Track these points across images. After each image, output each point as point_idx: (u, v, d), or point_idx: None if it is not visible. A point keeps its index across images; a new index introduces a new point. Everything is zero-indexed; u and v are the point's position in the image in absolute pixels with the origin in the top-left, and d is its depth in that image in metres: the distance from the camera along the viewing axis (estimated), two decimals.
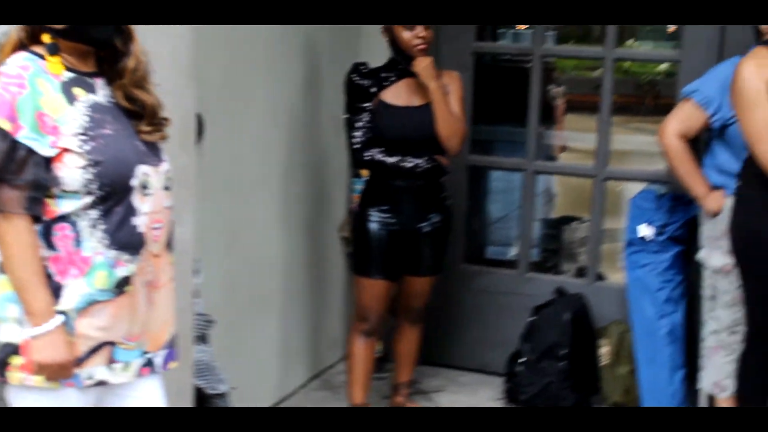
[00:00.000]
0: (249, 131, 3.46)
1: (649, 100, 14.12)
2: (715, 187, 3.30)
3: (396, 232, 3.46)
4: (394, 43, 3.42)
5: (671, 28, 22.32)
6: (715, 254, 3.37)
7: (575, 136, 7.58)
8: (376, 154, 3.41)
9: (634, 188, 4.35)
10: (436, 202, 3.54)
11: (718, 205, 3.24)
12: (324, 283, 4.17)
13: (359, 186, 3.90)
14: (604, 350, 3.85)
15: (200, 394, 2.81)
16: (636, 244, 3.72)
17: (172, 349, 2.14)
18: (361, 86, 3.43)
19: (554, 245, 5.86)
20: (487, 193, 5.41)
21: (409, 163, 3.41)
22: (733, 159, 3.28)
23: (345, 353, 4.19)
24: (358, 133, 3.42)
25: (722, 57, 3.58)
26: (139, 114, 2.00)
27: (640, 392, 3.63)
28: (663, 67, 13.48)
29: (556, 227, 5.99)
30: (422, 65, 3.36)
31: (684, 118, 3.33)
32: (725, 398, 3.43)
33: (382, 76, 3.46)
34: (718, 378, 3.44)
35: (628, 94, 13.85)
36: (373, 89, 3.43)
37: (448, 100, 3.43)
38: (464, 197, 4.19)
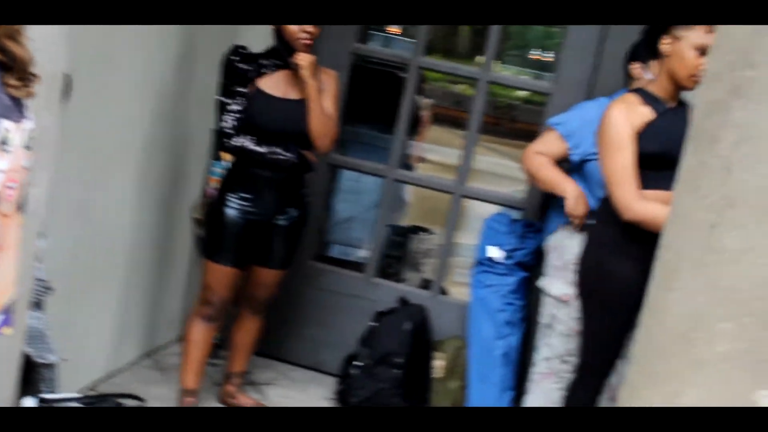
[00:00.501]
0: (115, 99, 3.31)
1: (506, 122, 14.54)
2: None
3: (253, 221, 3.39)
4: (279, 32, 3.35)
5: (535, 56, 23.15)
6: (557, 283, 3.48)
7: (432, 147, 7.71)
8: (245, 141, 3.33)
9: (483, 207, 4.45)
10: (297, 197, 3.50)
11: (584, 200, 3.35)
12: (169, 262, 4.04)
13: (218, 169, 3.81)
14: (439, 363, 3.90)
15: (28, 362, 2.66)
16: (484, 264, 3.79)
17: (8, 314, 2.00)
18: (240, 70, 3.35)
19: (398, 253, 5.92)
20: (336, 192, 5.39)
21: (278, 155, 3.35)
22: (588, 193, 3.41)
23: (180, 335, 4.08)
24: (229, 118, 3.33)
25: (591, 95, 3.71)
26: (8, 66, 1.86)
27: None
28: (522, 93, 13.91)
29: (403, 235, 6.05)
30: (305, 61, 3.30)
31: (546, 143, 3.46)
32: None
33: (261, 63, 3.38)
34: (545, 403, 3.54)
35: (486, 114, 14.17)
36: (251, 75, 3.35)
37: (324, 99, 3.39)
38: (321, 195, 4.15)
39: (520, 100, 14.63)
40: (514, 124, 13.45)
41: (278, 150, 3.34)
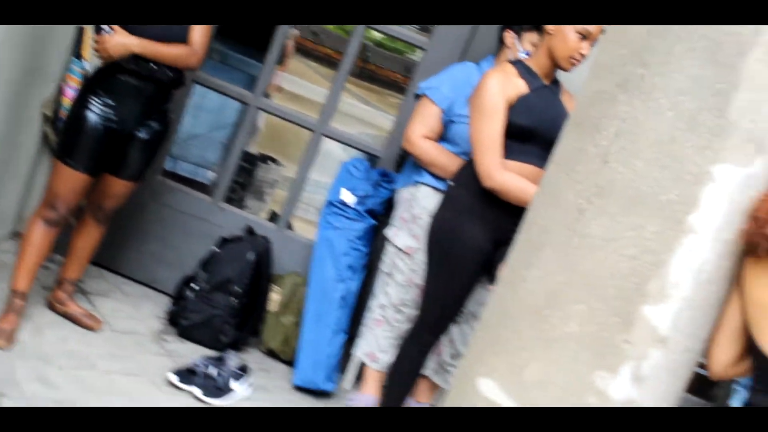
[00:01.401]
0: None
1: (359, 62, 14.46)
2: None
3: (112, 130, 3.23)
4: None
5: None
6: (402, 235, 3.53)
7: (291, 78, 7.60)
8: None
9: (330, 144, 4.41)
10: (160, 111, 3.37)
11: None
12: (11, 157, 3.81)
13: (77, 68, 3.61)
14: (275, 297, 3.89)
15: None
16: (336, 205, 3.78)
17: None
18: None
19: (244, 179, 5.83)
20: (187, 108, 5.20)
21: (152, 66, 3.20)
22: (452, 149, 3.46)
23: (13, 232, 3.88)
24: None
25: (465, 56, 3.74)
26: None
27: (299, 345, 3.71)
28: (378, 35, 13.83)
29: (251, 162, 5.96)
30: None
31: (424, 118, 3.45)
32: (374, 370, 3.61)
33: None
34: (374, 349, 3.61)
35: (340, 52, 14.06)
36: None
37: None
38: (180, 111, 4.02)
39: (395, 50, 14.54)
40: (366, 65, 13.39)
41: (152, 62, 3.20)
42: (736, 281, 1.83)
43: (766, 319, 1.78)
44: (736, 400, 3.32)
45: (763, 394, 1.83)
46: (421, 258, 3.38)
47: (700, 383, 4.06)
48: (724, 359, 1.90)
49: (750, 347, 1.84)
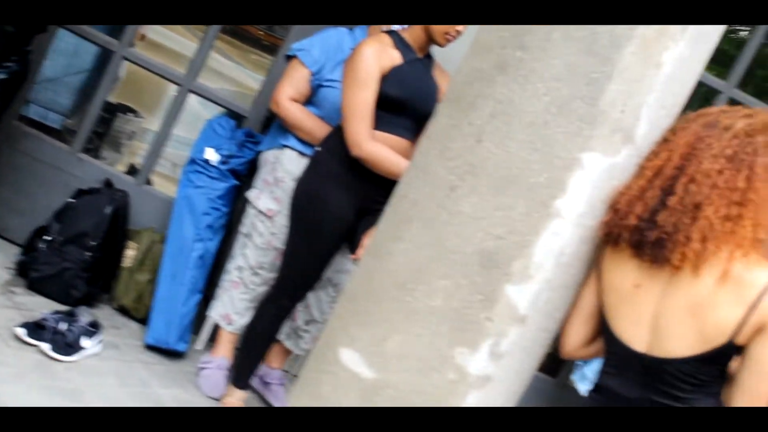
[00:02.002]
0: None
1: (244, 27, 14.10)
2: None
3: None
4: None
5: None
6: (264, 198, 3.47)
7: (155, 27, 7.33)
8: None
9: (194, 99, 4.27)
10: (21, 51, 3.17)
11: None
12: None
13: None
14: (130, 253, 3.76)
15: None
16: (198, 164, 3.67)
17: None
18: None
19: (102, 129, 5.60)
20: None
21: None
22: (319, 113, 3.42)
23: None
24: None
25: None
26: None
27: (153, 303, 3.60)
28: None
29: (110, 112, 5.73)
30: None
31: (293, 80, 3.38)
32: (229, 332, 3.55)
33: None
34: (229, 311, 3.54)
35: None
36: None
37: None
38: (42, 55, 3.80)
39: None
40: (253, 29, 13.08)
41: None
42: (594, 266, 1.88)
43: (620, 304, 1.83)
44: (578, 375, 3.44)
45: (614, 376, 1.89)
46: (281, 221, 3.33)
47: (548, 361, 4.21)
48: (577, 340, 1.95)
49: (603, 330, 1.90)
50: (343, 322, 1.95)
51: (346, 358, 1.89)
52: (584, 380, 3.44)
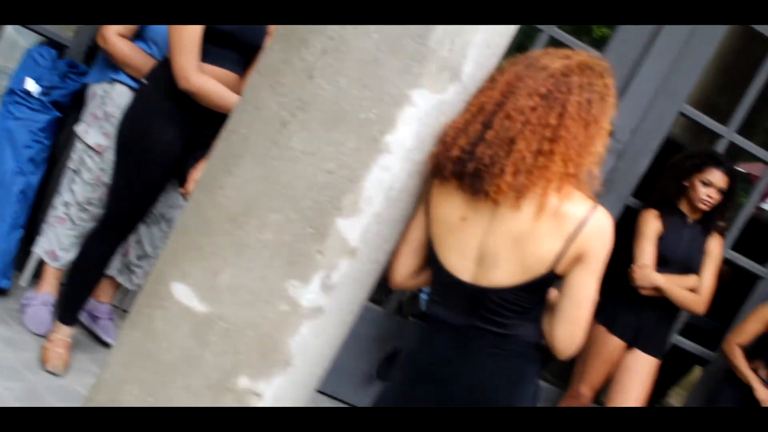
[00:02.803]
0: None
1: None
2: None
3: None
4: None
5: None
6: (93, 132, 3.35)
7: None
8: None
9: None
10: None
11: None
12: None
13: None
14: None
15: None
16: (18, 95, 3.48)
17: None
18: None
19: None
20: None
21: None
22: (148, 49, 3.31)
23: None
24: None
25: None
26: None
27: None
28: None
29: None
30: None
31: None
32: (54, 268, 3.43)
33: None
34: (54, 247, 3.42)
35: None
36: None
37: None
38: None
39: None
40: None
41: None
42: (422, 200, 1.92)
43: (447, 236, 1.89)
44: (423, 304, 3.52)
45: (440, 305, 1.96)
46: (111, 157, 3.23)
47: (378, 293, 4.30)
48: (405, 271, 2.00)
49: (431, 261, 1.96)
50: (174, 257, 1.92)
51: (178, 293, 1.87)
52: None
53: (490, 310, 1.88)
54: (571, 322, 1.89)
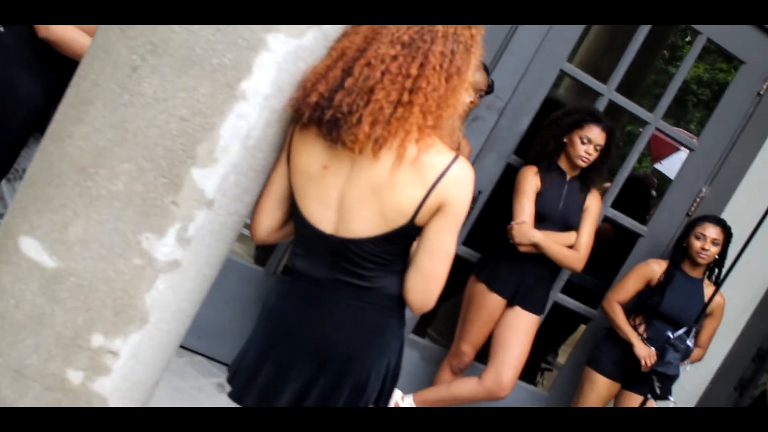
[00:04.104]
0: None
1: None
2: None
3: None
4: None
5: None
6: None
7: None
8: None
9: None
10: None
11: None
12: None
13: None
14: None
15: None
16: None
17: None
18: None
19: None
20: None
21: None
22: None
23: None
24: None
25: None
26: None
27: None
28: None
29: None
30: None
31: None
32: None
33: None
34: None
35: None
36: None
37: None
38: None
39: None
40: None
41: None
42: (283, 149, 1.90)
43: (309, 186, 1.87)
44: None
45: (302, 258, 1.95)
46: None
47: (261, 254, 4.26)
48: (268, 224, 1.97)
49: (293, 213, 1.94)
50: (23, 210, 1.85)
51: (26, 247, 1.81)
52: None
53: (351, 262, 1.88)
54: (427, 275, 1.89)
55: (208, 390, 3.60)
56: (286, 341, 1.95)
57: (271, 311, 1.99)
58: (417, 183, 1.79)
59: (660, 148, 7.86)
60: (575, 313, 4.36)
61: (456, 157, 1.82)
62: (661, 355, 3.53)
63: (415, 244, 1.90)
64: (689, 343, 3.47)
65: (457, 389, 3.75)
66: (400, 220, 1.82)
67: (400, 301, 1.94)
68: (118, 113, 1.75)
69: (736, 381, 4.56)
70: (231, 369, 2.07)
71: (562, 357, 5.94)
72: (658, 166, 7.39)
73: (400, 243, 1.87)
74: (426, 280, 1.89)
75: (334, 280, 1.90)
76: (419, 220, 1.83)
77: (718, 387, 4.49)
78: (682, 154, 7.14)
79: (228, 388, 2.07)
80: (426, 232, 1.85)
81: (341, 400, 1.91)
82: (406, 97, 1.76)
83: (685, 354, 3.49)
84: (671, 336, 3.51)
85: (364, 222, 1.84)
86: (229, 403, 2.05)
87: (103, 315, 1.81)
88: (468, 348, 3.79)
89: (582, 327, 5.12)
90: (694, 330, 3.53)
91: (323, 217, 1.87)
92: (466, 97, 1.89)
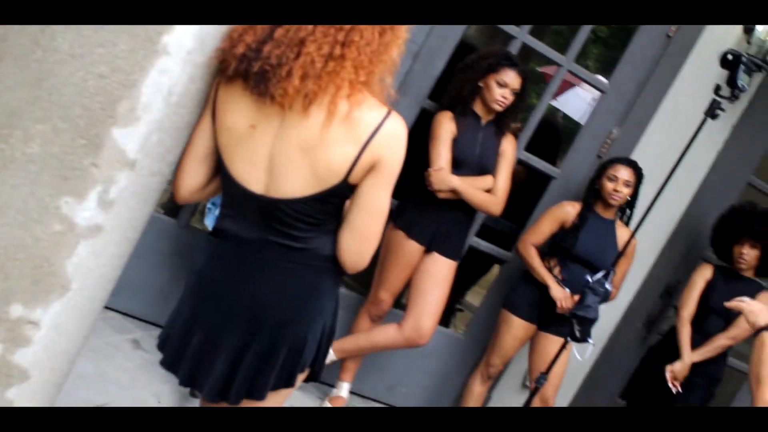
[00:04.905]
0: None
1: None
2: None
3: None
4: None
5: None
6: None
7: None
8: None
9: None
10: None
11: None
12: None
13: None
14: None
15: None
16: None
17: None
18: None
19: None
20: None
21: None
22: None
23: None
24: None
25: None
26: None
27: None
28: None
29: None
30: None
31: None
32: None
33: None
34: None
35: None
36: None
37: None
38: None
39: None
40: None
41: None
42: (208, 105, 1.84)
43: (236, 145, 1.81)
44: (209, 219, 3.40)
45: (232, 219, 1.90)
46: None
47: (173, 205, 4.16)
48: (192, 183, 1.91)
49: (220, 172, 1.88)
50: None
51: None
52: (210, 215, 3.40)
53: (283, 222, 1.84)
54: (361, 235, 1.87)
55: (123, 347, 3.52)
56: (216, 306, 1.90)
57: (199, 275, 1.94)
58: (349, 140, 1.76)
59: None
60: (489, 255, 4.41)
61: (389, 113, 1.79)
62: (580, 299, 3.60)
63: (348, 202, 1.87)
64: (607, 286, 3.54)
65: (376, 337, 3.77)
66: (332, 179, 1.79)
67: (334, 261, 1.91)
68: (30, 70, 1.66)
69: (644, 318, 4.71)
70: (161, 336, 2.02)
71: (475, 299, 6.03)
72: (555, 102, 7.45)
73: (333, 202, 1.84)
74: (360, 239, 1.87)
75: (265, 241, 1.86)
76: (353, 179, 1.79)
77: (627, 324, 4.64)
78: (582, 93, 7.23)
79: (147, 347, 2.01)
80: (359, 190, 1.82)
81: (276, 365, 1.89)
82: (338, 50, 1.72)
83: (604, 297, 3.57)
84: (590, 280, 3.58)
85: (295, 181, 1.79)
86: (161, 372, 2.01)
87: (21, 284, 1.73)
88: (386, 295, 3.80)
89: (495, 268, 5.20)
90: (611, 273, 3.61)
91: (252, 177, 1.82)
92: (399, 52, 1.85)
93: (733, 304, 2.59)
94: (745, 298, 2.59)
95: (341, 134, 1.75)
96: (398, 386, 4.40)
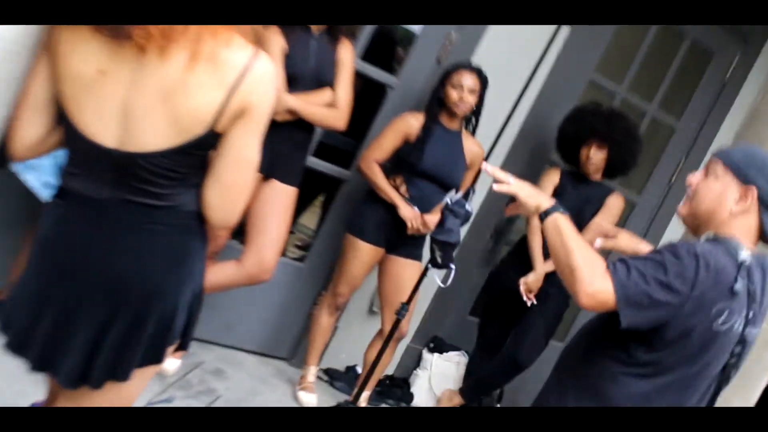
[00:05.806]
0: None
1: None
2: None
3: None
4: None
5: None
6: None
7: None
8: None
9: None
10: None
11: None
12: None
13: None
14: None
15: None
16: None
17: None
18: None
19: None
20: None
21: None
22: None
23: None
24: None
25: None
26: None
27: None
28: None
29: None
30: None
31: None
32: None
33: None
34: None
35: None
36: None
37: None
38: None
39: None
40: None
41: None
42: (45, 51, 1.70)
43: (82, 94, 1.70)
44: (32, 175, 3.09)
45: (80, 177, 1.79)
46: None
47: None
48: (28, 137, 1.79)
49: (63, 125, 1.76)
50: None
51: None
52: (31, 171, 3.08)
53: (141, 179, 1.75)
54: (229, 188, 1.82)
55: None
56: (68, 278, 1.79)
57: (45, 243, 1.83)
58: (215, 84, 1.69)
59: None
60: (326, 175, 4.37)
61: (257, 53, 1.73)
62: (440, 222, 3.63)
63: (213, 153, 1.80)
64: (468, 207, 3.59)
65: (215, 276, 3.67)
66: (196, 128, 1.71)
67: (200, 218, 1.85)
68: None
69: (492, 229, 4.86)
70: (2, 315, 1.88)
71: (309, 219, 5.97)
72: None
73: (198, 154, 1.77)
74: (228, 192, 1.82)
75: (121, 201, 1.77)
76: (219, 127, 1.73)
77: (474, 236, 4.75)
78: None
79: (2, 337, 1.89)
80: (227, 139, 1.76)
81: (144, 340, 1.82)
82: None
83: (465, 219, 3.61)
84: (449, 201, 3.62)
85: (154, 133, 1.71)
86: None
87: None
88: (223, 232, 3.71)
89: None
90: (471, 193, 3.65)
91: (103, 130, 1.72)
92: None
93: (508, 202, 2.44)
94: (511, 179, 2.37)
95: (206, 77, 1.68)
96: (237, 324, 4.35)
